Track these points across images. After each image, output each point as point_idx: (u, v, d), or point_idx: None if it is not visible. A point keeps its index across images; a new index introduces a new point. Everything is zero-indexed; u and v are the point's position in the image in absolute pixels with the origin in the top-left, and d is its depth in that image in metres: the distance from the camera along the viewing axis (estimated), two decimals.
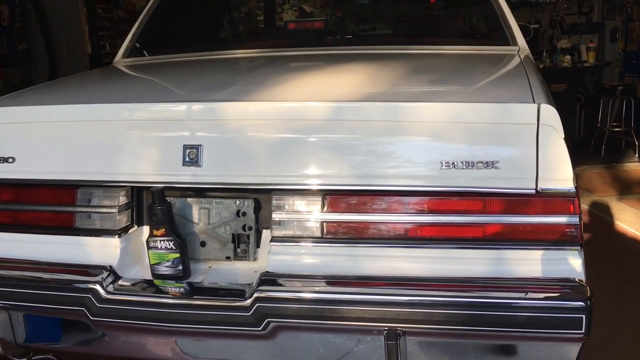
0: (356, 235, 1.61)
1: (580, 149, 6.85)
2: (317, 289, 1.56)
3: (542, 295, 1.47)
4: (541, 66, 6.60)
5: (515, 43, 2.48)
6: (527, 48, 2.49)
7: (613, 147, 6.77)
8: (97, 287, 1.63)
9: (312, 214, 1.63)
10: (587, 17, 9.17)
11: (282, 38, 2.95)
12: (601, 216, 4.83)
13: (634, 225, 4.58)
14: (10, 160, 1.79)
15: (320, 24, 2.76)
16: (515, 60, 2.20)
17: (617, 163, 6.41)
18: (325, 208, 1.62)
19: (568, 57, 6.88)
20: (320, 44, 2.69)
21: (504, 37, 2.51)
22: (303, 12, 8.63)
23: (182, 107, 1.71)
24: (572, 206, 1.50)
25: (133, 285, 1.68)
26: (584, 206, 5.01)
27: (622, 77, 7.76)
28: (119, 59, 2.82)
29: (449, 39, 2.78)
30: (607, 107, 6.82)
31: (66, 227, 1.78)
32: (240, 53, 2.73)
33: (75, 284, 1.67)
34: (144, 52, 2.83)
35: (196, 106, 1.69)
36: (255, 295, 1.55)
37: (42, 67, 7.36)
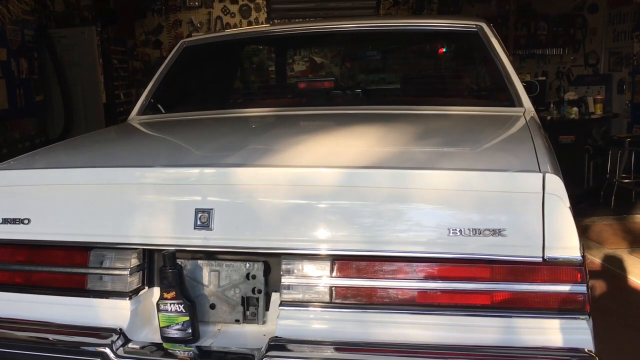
0: (365, 301, 1.62)
1: (590, 200, 6.83)
2: (326, 355, 1.57)
3: None
4: (549, 118, 6.64)
5: (520, 104, 2.52)
6: (533, 109, 2.53)
7: (623, 198, 6.75)
8: (107, 350, 1.64)
9: (321, 278, 1.65)
10: (594, 69, 9.29)
11: (293, 97, 3.02)
12: (613, 270, 4.78)
13: None
14: (26, 221, 1.83)
15: (330, 84, 2.83)
16: (521, 123, 2.24)
17: (628, 215, 6.37)
18: (334, 273, 1.64)
19: (575, 109, 6.92)
20: (330, 102, 2.75)
21: (510, 99, 2.55)
22: (314, 63, 8.83)
23: (194, 171, 1.75)
24: (579, 274, 1.51)
25: (142, 348, 1.69)
26: (595, 259, 4.97)
27: (630, 128, 7.80)
28: (134, 116, 2.90)
29: (455, 99, 2.83)
30: (616, 158, 6.83)
31: (78, 288, 1.80)
32: (252, 112, 2.80)
33: (85, 347, 1.68)
34: (159, 106, 2.90)
35: (208, 170, 1.74)
36: None
37: (57, 118, 7.53)
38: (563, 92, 8.39)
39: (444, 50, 3.26)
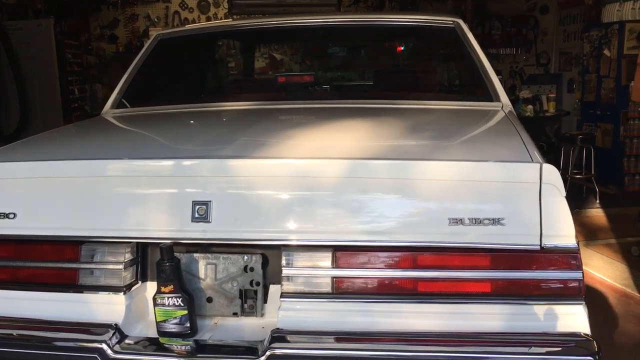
0: (366, 291, 1.64)
1: None
2: (329, 345, 1.57)
3: (550, 350, 1.51)
4: None
5: (498, 99, 2.57)
6: (510, 104, 2.59)
7: (575, 194, 6.98)
8: (104, 346, 1.60)
9: (322, 269, 1.65)
10: (545, 69, 9.59)
11: (274, 90, 3.00)
12: None
13: (602, 271, 4.70)
14: (12, 216, 1.76)
15: (310, 78, 2.83)
16: (503, 117, 2.29)
17: (580, 209, 6.60)
18: (335, 263, 1.64)
19: (530, 106, 7.15)
20: (316, 96, 2.74)
21: (487, 93, 2.60)
22: (273, 59, 8.78)
23: (192, 163, 1.72)
24: (575, 261, 1.56)
25: (140, 343, 1.66)
26: None
27: (580, 126, 8.09)
28: (108, 110, 2.82)
29: (436, 94, 2.88)
30: (568, 154, 7.07)
31: (69, 284, 1.75)
32: (229, 106, 2.76)
33: (80, 344, 1.63)
34: (134, 100, 2.83)
35: (206, 162, 1.71)
36: (269, 353, 1.54)
37: (13, 113, 7.26)
38: (518, 91, 8.63)
39: (422, 45, 3.30)
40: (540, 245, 1.56)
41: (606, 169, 7.10)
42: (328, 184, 1.66)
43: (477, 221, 1.57)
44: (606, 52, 7.26)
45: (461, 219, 1.58)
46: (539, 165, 1.57)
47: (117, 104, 2.84)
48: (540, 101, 7.45)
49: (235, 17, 6.21)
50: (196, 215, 1.67)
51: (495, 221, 1.57)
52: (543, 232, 1.56)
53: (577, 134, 7.23)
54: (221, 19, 9.11)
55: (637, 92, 5.90)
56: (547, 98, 7.54)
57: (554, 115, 7.53)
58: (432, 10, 9.29)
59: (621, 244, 5.36)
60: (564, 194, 1.57)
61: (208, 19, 9.26)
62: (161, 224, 1.70)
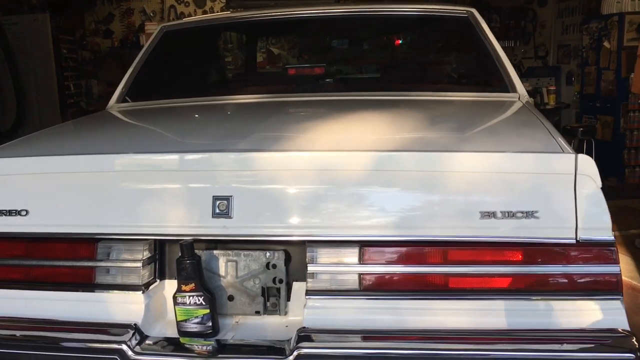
0: (394, 288, 1.59)
1: None
2: (360, 344, 1.52)
3: (587, 347, 1.47)
4: None
5: (514, 89, 2.52)
6: (526, 94, 2.54)
7: None
8: (124, 347, 1.54)
9: (348, 265, 1.60)
10: (543, 61, 9.55)
11: (286, 83, 2.93)
12: None
13: None
14: (24, 213, 1.70)
15: (320, 70, 2.77)
16: (523, 108, 2.24)
17: None
18: (362, 259, 1.59)
19: (531, 99, 7.11)
20: (332, 89, 2.69)
21: (503, 84, 2.55)
22: (271, 54, 8.70)
23: (212, 156, 1.66)
24: (612, 255, 1.52)
25: (161, 344, 1.60)
26: None
27: (579, 118, 8.06)
28: (113, 104, 2.75)
29: (451, 85, 2.82)
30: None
31: (85, 283, 1.69)
32: (241, 98, 2.69)
33: (99, 345, 1.58)
34: (140, 94, 2.76)
35: (227, 156, 1.65)
36: (296, 352, 1.49)
37: (9, 108, 7.15)
38: None
39: (436, 36, 3.24)
40: (576, 238, 1.51)
41: (606, 162, 7.07)
42: (353, 177, 1.60)
43: (509, 214, 1.52)
44: (606, 44, 7.21)
45: (493, 212, 1.52)
46: (574, 155, 1.52)
47: (123, 98, 2.77)
48: (540, 94, 7.41)
49: (232, 10, 6.14)
50: (217, 210, 1.61)
51: (529, 214, 1.51)
52: (578, 224, 1.50)
53: (578, 127, 7.17)
54: (217, 12, 9.00)
55: (637, 84, 5.86)
56: (547, 90, 7.50)
57: (554, 108, 7.49)
58: (434, 3, 9.24)
59: (624, 237, 5.32)
60: (600, 185, 1.51)
61: (204, 12, 9.15)
62: (180, 220, 1.64)
